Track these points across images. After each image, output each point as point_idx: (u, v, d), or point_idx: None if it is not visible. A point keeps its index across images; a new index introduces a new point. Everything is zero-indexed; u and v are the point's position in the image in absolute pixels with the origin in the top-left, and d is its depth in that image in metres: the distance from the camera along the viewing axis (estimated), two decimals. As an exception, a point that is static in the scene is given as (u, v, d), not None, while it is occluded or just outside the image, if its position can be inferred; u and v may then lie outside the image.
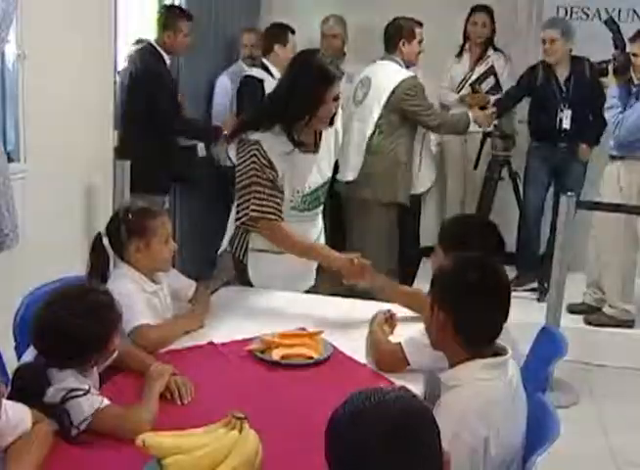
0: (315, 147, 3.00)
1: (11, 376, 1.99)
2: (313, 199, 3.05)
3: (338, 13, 5.54)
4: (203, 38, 5.05)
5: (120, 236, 2.53)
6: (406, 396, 1.38)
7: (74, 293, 2.05)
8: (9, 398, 1.81)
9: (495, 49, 5.48)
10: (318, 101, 2.83)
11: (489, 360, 1.89)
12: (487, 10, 5.42)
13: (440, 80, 5.59)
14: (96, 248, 2.51)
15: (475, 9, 5.42)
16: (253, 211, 2.86)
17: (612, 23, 4.49)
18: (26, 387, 1.89)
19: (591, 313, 4.86)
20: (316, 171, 3.03)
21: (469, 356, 1.89)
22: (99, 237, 2.54)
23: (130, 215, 2.54)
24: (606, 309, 4.83)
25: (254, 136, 2.87)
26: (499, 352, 1.93)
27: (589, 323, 4.82)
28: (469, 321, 1.88)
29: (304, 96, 2.82)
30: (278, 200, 2.88)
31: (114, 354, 2.11)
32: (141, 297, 2.50)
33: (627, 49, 4.40)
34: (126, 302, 2.33)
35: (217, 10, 5.35)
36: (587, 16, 5.57)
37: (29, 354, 2.06)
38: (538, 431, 1.93)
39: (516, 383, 1.95)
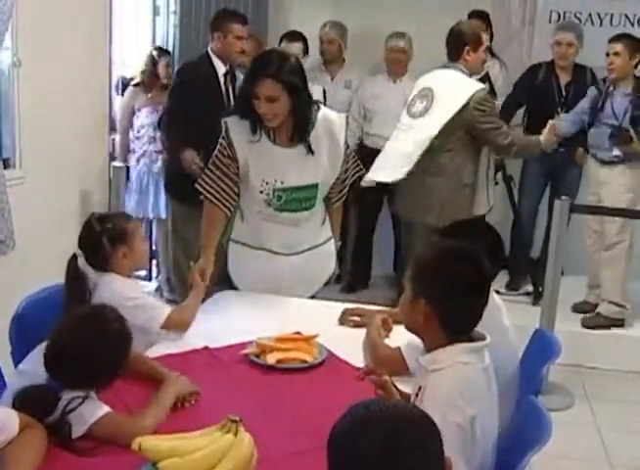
0: (291, 142, 2.96)
1: (13, 389, 1.99)
2: (292, 199, 2.99)
3: (338, 18, 5.52)
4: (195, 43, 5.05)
5: (103, 248, 2.52)
6: (406, 404, 1.39)
7: (86, 318, 2.04)
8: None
9: (492, 55, 5.48)
10: (248, 92, 2.90)
11: (469, 345, 1.89)
12: (481, 16, 5.41)
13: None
14: (72, 271, 2.47)
15: (469, 15, 5.43)
16: (200, 185, 3.01)
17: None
18: (34, 407, 1.87)
19: (590, 313, 4.90)
20: (295, 169, 2.98)
21: (449, 342, 1.89)
22: (74, 258, 2.50)
23: (109, 225, 2.54)
24: (601, 308, 4.86)
25: (228, 118, 3.00)
26: (476, 337, 1.93)
27: (586, 326, 4.84)
28: (455, 311, 1.89)
29: (243, 82, 3.00)
30: (228, 183, 2.99)
31: None
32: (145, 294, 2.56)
33: (607, 50, 4.54)
34: (141, 303, 2.48)
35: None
36: (580, 21, 5.60)
37: (28, 362, 2.08)
38: (530, 432, 1.94)
39: (491, 373, 1.95)
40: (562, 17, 5.67)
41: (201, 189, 3.03)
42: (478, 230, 2.62)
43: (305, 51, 5.00)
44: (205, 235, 3.06)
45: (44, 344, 2.09)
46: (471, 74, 4.15)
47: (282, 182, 2.96)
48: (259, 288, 3.07)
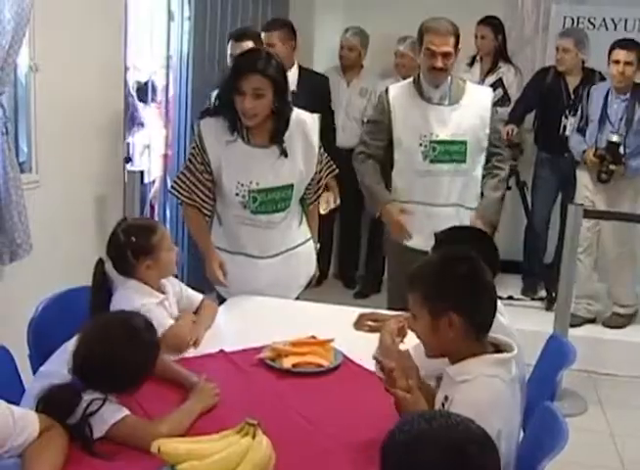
0: (266, 143, 2.97)
1: (35, 391, 2.00)
2: (267, 200, 2.99)
3: (357, 24, 5.55)
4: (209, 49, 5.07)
5: (127, 259, 2.54)
6: (469, 421, 1.38)
7: (118, 324, 2.05)
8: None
9: (507, 61, 5.49)
10: (231, 88, 2.89)
11: (496, 356, 1.90)
12: (489, 22, 5.40)
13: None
14: (98, 275, 2.53)
15: (478, 22, 5.44)
16: (175, 190, 3.06)
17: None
18: (57, 407, 1.89)
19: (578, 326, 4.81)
20: (271, 170, 2.98)
21: (473, 353, 1.89)
22: (101, 263, 2.54)
23: (133, 238, 2.55)
24: (618, 309, 4.90)
25: (202, 120, 3.05)
26: (503, 348, 1.93)
27: (609, 326, 4.89)
28: (480, 310, 1.90)
29: (227, 78, 2.97)
30: (202, 189, 3.01)
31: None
32: (155, 305, 2.54)
33: (615, 57, 4.51)
34: (147, 313, 2.39)
35: (232, 20, 5.35)
36: (594, 26, 5.60)
37: (50, 364, 2.10)
38: (546, 438, 1.94)
39: (517, 383, 1.96)
40: (575, 22, 5.67)
41: (176, 194, 3.06)
42: (473, 236, 2.62)
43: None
44: (200, 239, 3.11)
45: (66, 346, 2.12)
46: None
47: (257, 183, 2.97)
48: (239, 292, 3.06)
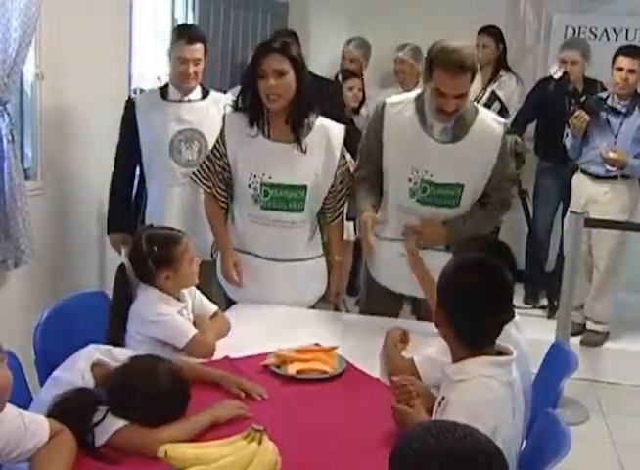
0: (290, 138, 2.97)
1: (47, 394, 2.03)
2: (279, 197, 2.98)
3: (356, 35, 5.56)
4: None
5: (148, 267, 2.55)
6: (475, 432, 1.38)
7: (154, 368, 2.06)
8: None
9: (507, 70, 5.52)
10: (254, 72, 2.91)
11: (494, 358, 1.91)
12: (490, 32, 5.43)
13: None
14: (120, 280, 2.56)
15: (479, 31, 5.46)
16: (197, 177, 3.10)
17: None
18: (72, 414, 1.91)
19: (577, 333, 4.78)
20: (285, 167, 2.97)
21: (473, 354, 1.91)
22: (123, 268, 2.58)
23: (155, 248, 2.55)
24: (594, 326, 4.85)
25: (227, 114, 3.11)
26: (504, 351, 1.95)
27: (587, 344, 4.79)
28: (467, 325, 1.91)
29: (248, 67, 3.00)
30: (220, 178, 3.05)
31: None
32: (177, 314, 2.57)
33: (619, 65, 4.52)
34: (169, 320, 2.50)
35: (234, 29, 5.39)
36: (595, 36, 5.63)
37: (64, 370, 2.11)
38: (549, 445, 1.95)
39: (517, 387, 1.96)
40: (577, 32, 5.70)
41: (196, 180, 3.11)
42: (489, 245, 2.63)
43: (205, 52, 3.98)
44: (218, 234, 3.13)
45: (80, 353, 2.16)
46: None
47: (270, 177, 2.97)
48: (247, 293, 3.06)
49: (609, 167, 4.61)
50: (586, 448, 3.43)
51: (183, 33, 3.57)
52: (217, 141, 3.06)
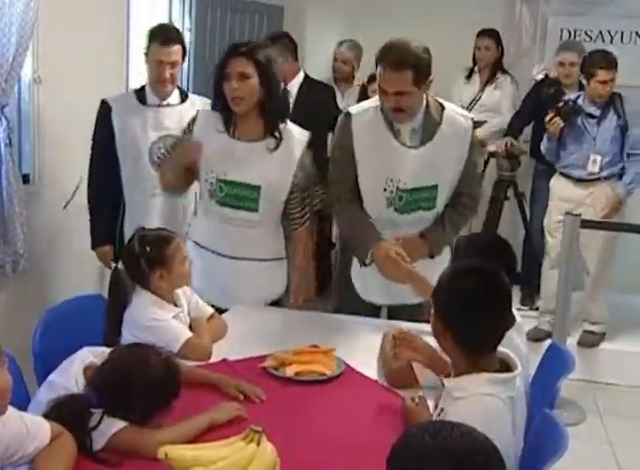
0: (257, 139, 2.98)
1: (43, 398, 2.04)
2: (232, 194, 2.98)
3: (351, 36, 5.57)
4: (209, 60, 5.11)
5: (141, 268, 2.57)
6: (473, 432, 1.38)
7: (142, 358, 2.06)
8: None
9: (504, 72, 5.55)
10: (219, 75, 2.93)
11: (495, 376, 1.88)
12: (491, 34, 5.48)
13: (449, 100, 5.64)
14: (115, 283, 2.59)
15: (479, 33, 5.50)
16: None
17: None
18: (69, 418, 1.92)
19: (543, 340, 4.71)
20: (241, 165, 2.97)
21: (473, 368, 1.88)
22: (117, 271, 2.61)
23: (148, 248, 2.58)
24: (591, 327, 4.87)
25: (201, 110, 3.16)
26: (508, 366, 1.93)
27: (584, 345, 4.80)
28: (465, 329, 1.88)
29: (215, 69, 2.98)
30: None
31: None
32: (171, 318, 2.58)
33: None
34: (164, 325, 2.51)
35: (230, 32, 5.41)
36: (590, 38, 5.65)
37: (59, 374, 2.12)
38: (546, 445, 1.96)
39: (519, 401, 1.95)
40: (572, 34, 5.72)
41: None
42: (493, 245, 2.63)
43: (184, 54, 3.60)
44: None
45: (72, 358, 2.17)
46: None
47: (225, 174, 2.98)
48: (205, 288, 2.98)
49: (591, 170, 4.65)
50: (583, 449, 3.45)
51: (158, 34, 3.36)
52: (184, 131, 3.08)
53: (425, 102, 2.96)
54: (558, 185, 4.84)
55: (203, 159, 3.00)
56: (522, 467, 1.97)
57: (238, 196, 3.00)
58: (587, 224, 4.32)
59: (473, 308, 1.86)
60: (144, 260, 2.56)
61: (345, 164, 3.02)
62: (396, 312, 3.16)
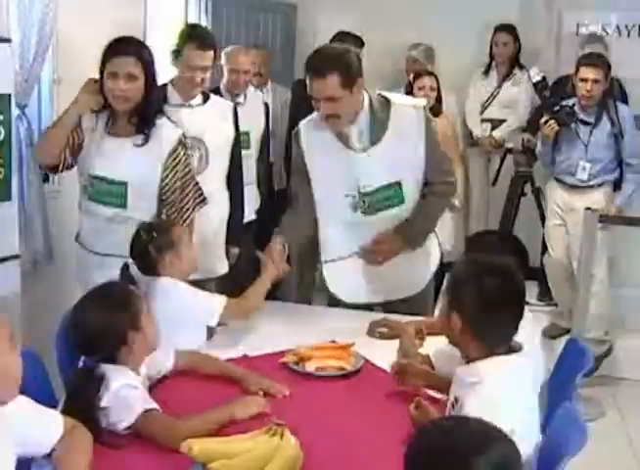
0: (129, 134, 2.92)
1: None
2: (101, 190, 2.93)
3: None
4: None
5: (151, 256, 2.63)
6: (487, 425, 1.40)
7: (94, 292, 2.19)
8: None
9: (521, 67, 5.54)
10: (101, 71, 2.88)
11: (506, 357, 1.93)
12: (509, 29, 5.47)
13: (466, 97, 5.65)
14: (124, 278, 2.62)
15: (496, 29, 5.49)
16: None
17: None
18: (81, 390, 1.99)
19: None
20: (108, 161, 2.92)
21: (486, 354, 1.93)
22: (126, 267, 2.66)
23: (154, 234, 2.65)
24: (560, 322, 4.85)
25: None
26: (514, 348, 1.97)
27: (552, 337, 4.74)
28: (487, 326, 1.92)
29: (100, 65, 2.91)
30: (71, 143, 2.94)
31: (150, 352, 2.21)
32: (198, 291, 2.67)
33: (583, 76, 4.47)
34: (196, 300, 2.62)
35: (247, 32, 5.43)
36: (607, 33, 5.62)
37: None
38: (567, 438, 1.96)
39: (531, 380, 1.99)
40: (587, 29, 5.69)
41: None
42: (502, 239, 2.64)
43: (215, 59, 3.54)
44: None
45: None
46: None
47: (94, 169, 2.94)
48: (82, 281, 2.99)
49: (580, 177, 4.63)
50: (602, 445, 3.44)
51: (194, 37, 3.31)
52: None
53: (367, 101, 2.90)
54: (552, 190, 4.83)
55: (82, 153, 2.96)
56: (541, 460, 1.98)
57: (107, 191, 2.94)
58: (607, 219, 4.30)
59: (497, 306, 1.91)
60: (153, 247, 2.62)
61: (302, 192, 3.02)
62: (391, 307, 3.12)
